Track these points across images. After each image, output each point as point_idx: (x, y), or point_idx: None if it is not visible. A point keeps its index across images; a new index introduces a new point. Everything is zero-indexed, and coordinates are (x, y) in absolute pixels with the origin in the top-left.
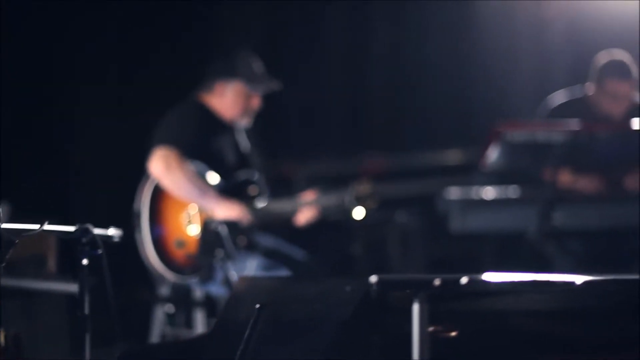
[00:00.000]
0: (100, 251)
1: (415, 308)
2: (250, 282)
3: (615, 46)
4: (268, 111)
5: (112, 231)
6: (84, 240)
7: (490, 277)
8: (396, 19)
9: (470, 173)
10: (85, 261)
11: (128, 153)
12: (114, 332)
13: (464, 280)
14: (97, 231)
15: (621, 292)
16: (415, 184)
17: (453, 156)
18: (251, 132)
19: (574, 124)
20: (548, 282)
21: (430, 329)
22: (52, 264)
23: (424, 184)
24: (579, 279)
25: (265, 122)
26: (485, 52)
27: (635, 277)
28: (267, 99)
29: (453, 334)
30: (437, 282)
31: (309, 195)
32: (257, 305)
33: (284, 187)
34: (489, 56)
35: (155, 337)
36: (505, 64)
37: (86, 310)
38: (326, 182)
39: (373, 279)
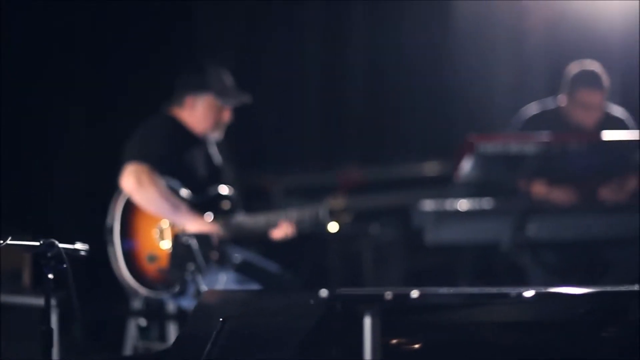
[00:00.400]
0: (65, 265)
1: (367, 322)
2: (215, 296)
3: (593, 56)
4: (245, 124)
5: (79, 245)
6: (49, 254)
7: (441, 291)
8: (373, 31)
9: (448, 185)
10: (50, 275)
11: (103, 167)
12: (79, 344)
13: (414, 294)
14: (63, 245)
15: (581, 305)
16: (392, 196)
17: (430, 168)
18: (224, 146)
19: (546, 136)
20: (498, 294)
21: (394, 341)
22: (27, 278)
23: (401, 196)
24: (530, 292)
25: (242, 135)
26: (462, 64)
27: (594, 289)
28: (244, 112)
29: (416, 346)
30: (388, 296)
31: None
32: (220, 319)
33: (261, 200)
34: (467, 68)
35: (128, 350)
36: (482, 75)
37: (51, 324)
38: (303, 195)
39: (323, 293)
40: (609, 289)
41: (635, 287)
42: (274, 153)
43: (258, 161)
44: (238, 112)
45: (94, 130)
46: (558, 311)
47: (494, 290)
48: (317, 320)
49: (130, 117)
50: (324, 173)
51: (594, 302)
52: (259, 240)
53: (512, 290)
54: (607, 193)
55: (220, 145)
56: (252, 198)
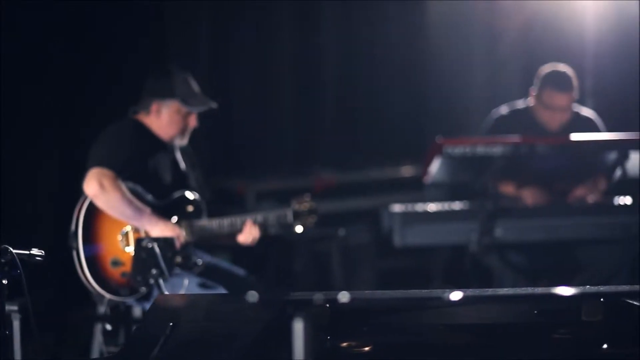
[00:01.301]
0: (19, 271)
1: (297, 325)
2: (169, 300)
3: (566, 56)
4: (218, 128)
5: (35, 251)
6: (2, 260)
7: (376, 294)
8: (347, 33)
9: (422, 188)
10: (4, 281)
11: (75, 172)
12: (36, 350)
13: (343, 298)
14: (17, 251)
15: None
16: (364, 200)
17: (405, 171)
18: (197, 150)
19: (513, 138)
20: (428, 298)
21: (344, 344)
22: None
23: (374, 199)
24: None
25: (215, 139)
26: (437, 66)
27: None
28: (217, 116)
29: (366, 348)
30: (317, 300)
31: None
32: (170, 323)
33: (234, 204)
34: (441, 69)
35: (95, 354)
36: (457, 77)
37: (6, 330)
38: (276, 199)
39: (252, 297)
40: (560, 290)
41: (587, 289)
42: (247, 157)
43: (231, 165)
44: (211, 116)
45: (66, 133)
46: (510, 312)
47: (438, 292)
48: (266, 323)
49: (104, 121)
50: (297, 177)
51: (546, 304)
52: (226, 244)
53: (456, 292)
54: (577, 194)
55: (193, 149)
56: (225, 202)
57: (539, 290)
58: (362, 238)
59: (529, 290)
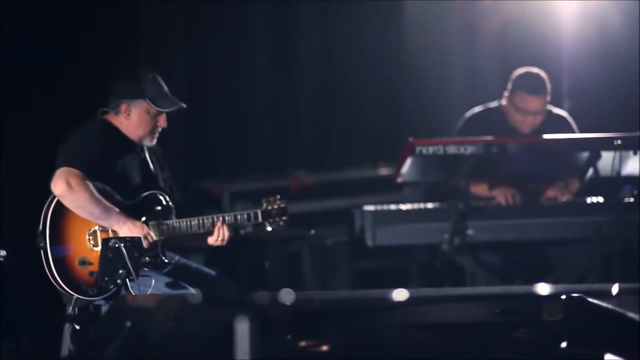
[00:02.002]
0: None
1: (239, 325)
2: (129, 301)
3: (543, 58)
4: (194, 129)
5: None
6: None
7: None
8: (324, 34)
9: (399, 188)
10: None
11: (39, 172)
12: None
13: (287, 299)
14: None
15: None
16: (341, 200)
17: (382, 172)
18: (160, 151)
19: (484, 138)
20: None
21: (303, 343)
22: None
23: (350, 199)
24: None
25: (190, 140)
26: (414, 69)
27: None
28: (193, 116)
29: (325, 347)
30: (261, 300)
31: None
32: (128, 323)
33: (210, 205)
34: (418, 70)
35: (64, 355)
36: (435, 77)
37: None
38: (252, 200)
39: (194, 299)
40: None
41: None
42: (224, 158)
43: (207, 167)
44: (187, 117)
45: (34, 133)
46: (471, 312)
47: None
48: (223, 323)
49: (73, 122)
50: (274, 177)
51: (507, 303)
52: (196, 244)
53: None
54: (548, 195)
55: (169, 150)
56: (201, 203)
57: (500, 289)
58: (337, 238)
59: (489, 289)
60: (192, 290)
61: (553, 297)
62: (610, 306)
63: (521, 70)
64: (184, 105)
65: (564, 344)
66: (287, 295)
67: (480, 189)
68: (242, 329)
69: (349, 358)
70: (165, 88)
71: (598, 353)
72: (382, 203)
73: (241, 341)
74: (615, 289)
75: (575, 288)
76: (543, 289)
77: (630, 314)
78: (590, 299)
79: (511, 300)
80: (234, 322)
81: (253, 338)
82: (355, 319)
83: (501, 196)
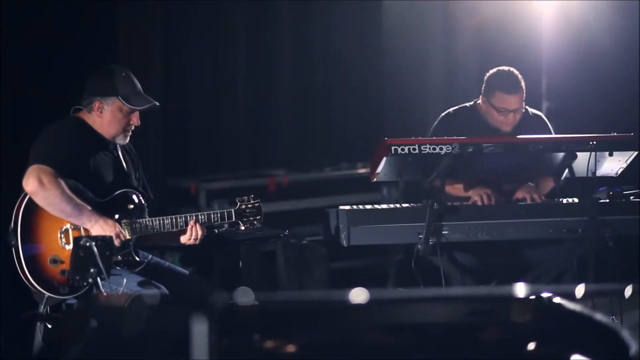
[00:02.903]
0: None
1: (197, 326)
2: (94, 300)
3: (521, 57)
4: (173, 128)
5: None
6: None
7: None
8: (303, 33)
9: (378, 188)
10: None
11: (12, 169)
12: None
13: (245, 299)
14: None
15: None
16: (319, 199)
17: (360, 171)
18: (133, 149)
19: (459, 137)
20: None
21: (268, 343)
22: None
23: (329, 199)
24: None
25: (169, 139)
26: (393, 69)
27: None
28: (171, 115)
29: (290, 348)
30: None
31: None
32: (93, 323)
33: (187, 204)
34: (397, 72)
35: (36, 354)
36: (413, 79)
37: None
38: (228, 198)
39: (151, 300)
40: (489, 290)
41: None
42: (201, 157)
43: (185, 165)
44: (165, 115)
45: (7, 130)
46: (438, 312)
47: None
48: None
49: (46, 119)
50: (251, 176)
51: (475, 304)
52: (170, 244)
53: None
54: (518, 196)
55: (146, 148)
56: (177, 202)
57: (468, 290)
58: (314, 237)
59: (457, 290)
60: (164, 290)
61: (522, 298)
62: (578, 307)
63: (494, 71)
64: (157, 103)
65: (531, 345)
66: (244, 295)
67: (455, 190)
68: (200, 329)
69: (315, 359)
70: (139, 86)
71: (565, 354)
72: (360, 203)
73: (198, 342)
74: (579, 291)
75: (545, 289)
76: (512, 289)
77: (598, 315)
78: (559, 300)
79: (479, 301)
80: (191, 322)
81: (212, 338)
82: (321, 319)
83: (477, 196)
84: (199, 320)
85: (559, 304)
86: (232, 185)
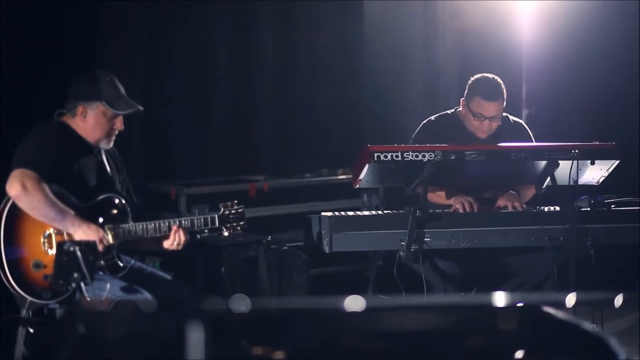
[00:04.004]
0: None
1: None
2: (79, 305)
3: (503, 65)
4: (154, 133)
5: None
6: None
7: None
8: (284, 39)
9: (359, 194)
10: None
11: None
12: None
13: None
14: None
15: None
16: (300, 205)
17: (342, 178)
18: (117, 153)
19: (442, 145)
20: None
21: (257, 349)
22: None
23: (310, 205)
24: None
25: (150, 144)
26: (374, 75)
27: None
28: (152, 118)
29: (280, 356)
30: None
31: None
32: (80, 328)
33: (167, 208)
34: (378, 79)
35: (18, 358)
36: (394, 86)
37: None
38: (209, 203)
39: (147, 306)
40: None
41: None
42: (182, 162)
43: (166, 170)
44: (146, 119)
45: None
46: (424, 320)
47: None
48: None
49: (29, 123)
50: (232, 182)
51: (461, 312)
52: (154, 250)
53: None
54: (500, 203)
55: (127, 153)
56: (158, 206)
57: (454, 298)
58: (294, 244)
59: (443, 298)
60: (147, 295)
61: (508, 306)
62: (565, 316)
63: (477, 76)
64: (141, 108)
65: (519, 354)
66: (241, 302)
67: (438, 197)
68: (196, 336)
69: None
70: (122, 90)
71: None
72: (340, 209)
73: (194, 349)
74: (570, 300)
75: (531, 297)
76: (499, 297)
77: (586, 324)
78: (545, 308)
79: (466, 308)
80: (186, 328)
81: (208, 345)
82: (310, 326)
83: (458, 204)
84: (194, 328)
85: (546, 312)
86: (212, 191)
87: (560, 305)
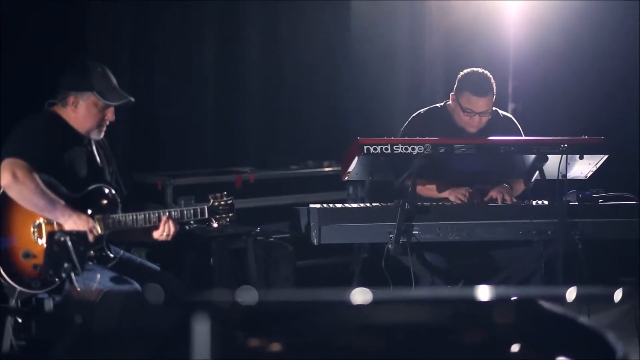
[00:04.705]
0: None
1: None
2: (79, 295)
3: (490, 61)
4: (141, 124)
5: None
6: None
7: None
8: (270, 33)
9: (346, 186)
10: None
11: None
12: None
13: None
14: None
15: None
16: (286, 197)
17: (329, 170)
18: (107, 144)
19: (432, 138)
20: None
21: (252, 342)
22: None
23: (296, 196)
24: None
25: (135, 133)
26: (361, 70)
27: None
28: (139, 109)
29: (276, 348)
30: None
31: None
32: (77, 319)
33: (154, 199)
34: (365, 74)
35: (5, 348)
36: (381, 82)
37: None
38: (196, 195)
39: (154, 298)
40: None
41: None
42: (169, 153)
43: (152, 161)
44: (132, 111)
45: None
46: (422, 314)
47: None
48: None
49: (20, 114)
50: (218, 173)
51: (457, 305)
52: (142, 241)
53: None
54: (493, 195)
55: (114, 144)
56: (144, 197)
57: (450, 291)
58: (281, 235)
59: (440, 291)
60: (137, 285)
61: (503, 299)
62: (561, 310)
63: (466, 71)
64: (132, 99)
65: (514, 348)
66: (247, 294)
67: (428, 190)
68: (203, 329)
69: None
70: (114, 81)
71: (549, 357)
72: (325, 201)
73: (200, 342)
74: (571, 294)
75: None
76: (491, 291)
77: (583, 318)
78: (541, 302)
79: (461, 302)
80: (191, 321)
81: (214, 339)
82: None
83: (453, 197)
84: (200, 320)
85: (541, 306)
86: (198, 182)
87: (559, 299)
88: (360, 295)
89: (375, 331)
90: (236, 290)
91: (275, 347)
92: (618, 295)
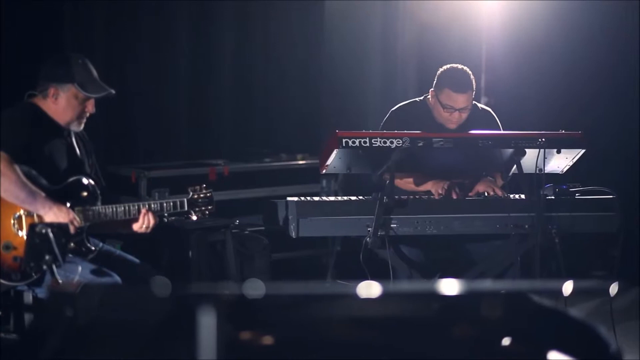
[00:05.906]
0: None
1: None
2: (67, 288)
3: (464, 56)
4: (115, 116)
5: None
6: None
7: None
8: (244, 28)
9: (321, 179)
10: None
11: None
12: None
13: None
14: None
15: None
16: (260, 190)
17: (303, 163)
18: (87, 136)
19: (410, 132)
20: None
21: (244, 337)
22: None
23: (271, 189)
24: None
25: (111, 127)
26: (333, 63)
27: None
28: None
29: (268, 341)
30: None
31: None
32: (68, 312)
33: (127, 192)
34: (337, 67)
35: None
36: (353, 78)
37: None
38: (170, 187)
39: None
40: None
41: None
42: (143, 145)
43: (126, 153)
44: (106, 102)
45: None
46: (410, 308)
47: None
48: (166, 316)
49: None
50: (192, 165)
51: (447, 300)
52: (119, 233)
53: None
54: (479, 189)
55: (89, 136)
56: (118, 189)
57: (440, 284)
58: (256, 227)
59: (430, 284)
60: (117, 278)
61: (492, 293)
62: (551, 304)
63: (446, 67)
64: (113, 92)
65: (504, 342)
66: (254, 287)
67: (406, 184)
68: (209, 323)
69: (293, 352)
70: (95, 73)
71: (540, 351)
72: (299, 194)
73: (206, 337)
74: (567, 288)
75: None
76: (484, 284)
77: (575, 312)
78: (530, 296)
79: (449, 295)
80: (197, 314)
81: (220, 333)
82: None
83: (434, 189)
84: (206, 314)
85: (531, 300)
86: (173, 174)
87: (554, 293)
88: (368, 289)
89: (374, 324)
90: (243, 283)
91: (268, 340)
92: (614, 289)
